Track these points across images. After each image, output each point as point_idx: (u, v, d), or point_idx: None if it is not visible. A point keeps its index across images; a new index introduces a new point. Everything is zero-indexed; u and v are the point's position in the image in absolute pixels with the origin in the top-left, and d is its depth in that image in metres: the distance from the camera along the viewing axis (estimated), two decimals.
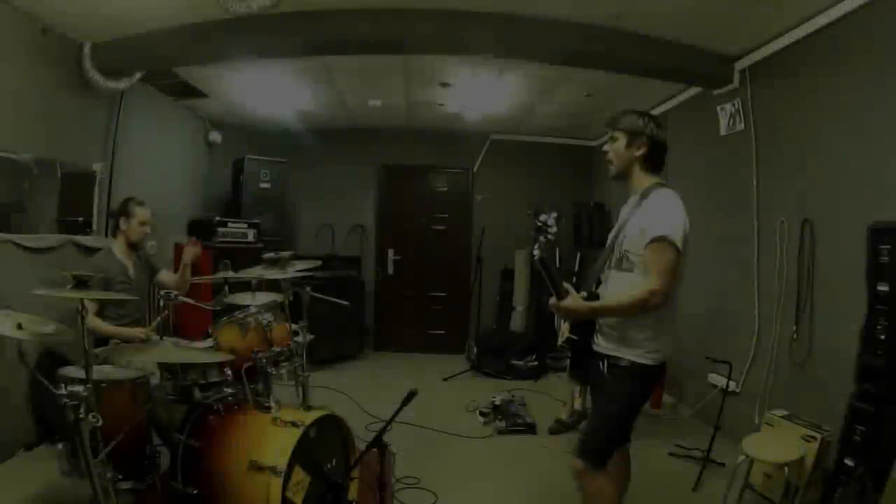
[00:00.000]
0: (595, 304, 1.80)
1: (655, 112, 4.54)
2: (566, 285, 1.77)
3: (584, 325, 1.92)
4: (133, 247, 2.90)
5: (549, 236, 1.71)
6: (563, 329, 2.01)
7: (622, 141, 1.89)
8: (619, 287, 1.83)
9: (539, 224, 1.71)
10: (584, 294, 1.84)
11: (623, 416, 1.87)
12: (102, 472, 1.77)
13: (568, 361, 1.95)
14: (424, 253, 6.28)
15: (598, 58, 3.37)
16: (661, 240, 1.70)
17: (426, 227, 6.30)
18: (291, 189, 5.69)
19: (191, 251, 3.10)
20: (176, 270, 3.19)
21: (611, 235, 1.97)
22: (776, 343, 3.11)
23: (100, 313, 2.71)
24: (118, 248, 2.87)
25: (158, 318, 2.97)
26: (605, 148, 1.95)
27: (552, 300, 1.77)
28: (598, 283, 1.96)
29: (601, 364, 1.86)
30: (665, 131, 1.91)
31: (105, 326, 2.67)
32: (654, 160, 1.89)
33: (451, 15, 3.05)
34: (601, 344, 1.89)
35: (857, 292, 2.32)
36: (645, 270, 1.75)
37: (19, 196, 3.24)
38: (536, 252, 1.69)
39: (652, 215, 1.76)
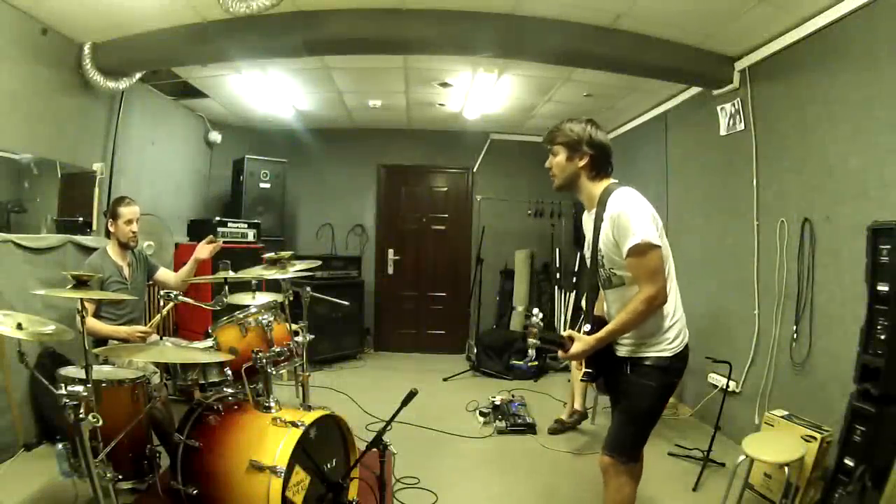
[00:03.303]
0: (601, 334, 1.79)
1: (656, 112, 4.55)
2: (564, 334, 1.82)
3: (595, 356, 1.87)
4: (125, 246, 2.88)
5: (537, 329, 1.87)
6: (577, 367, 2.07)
7: (562, 154, 1.86)
8: (619, 304, 1.83)
9: (527, 325, 1.89)
10: (588, 328, 1.84)
11: (653, 411, 1.88)
12: (102, 472, 1.77)
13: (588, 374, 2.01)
14: (424, 253, 6.28)
15: (598, 58, 3.36)
16: (636, 248, 1.69)
17: (426, 227, 6.29)
18: (291, 189, 5.69)
19: (207, 248, 3.01)
20: (179, 267, 3.14)
21: (587, 254, 1.95)
22: (776, 343, 3.11)
23: (96, 314, 2.70)
24: (112, 248, 2.87)
25: (158, 316, 2.97)
26: (547, 164, 1.92)
27: (560, 354, 1.83)
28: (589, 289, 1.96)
29: (625, 366, 1.85)
30: (604, 132, 1.87)
31: (103, 327, 2.66)
32: (601, 165, 1.85)
33: (451, 15, 3.04)
34: (621, 350, 1.87)
35: (857, 292, 2.33)
36: (634, 281, 1.76)
37: (19, 196, 3.24)
38: (531, 353, 2.02)
39: (617, 225, 1.72)
